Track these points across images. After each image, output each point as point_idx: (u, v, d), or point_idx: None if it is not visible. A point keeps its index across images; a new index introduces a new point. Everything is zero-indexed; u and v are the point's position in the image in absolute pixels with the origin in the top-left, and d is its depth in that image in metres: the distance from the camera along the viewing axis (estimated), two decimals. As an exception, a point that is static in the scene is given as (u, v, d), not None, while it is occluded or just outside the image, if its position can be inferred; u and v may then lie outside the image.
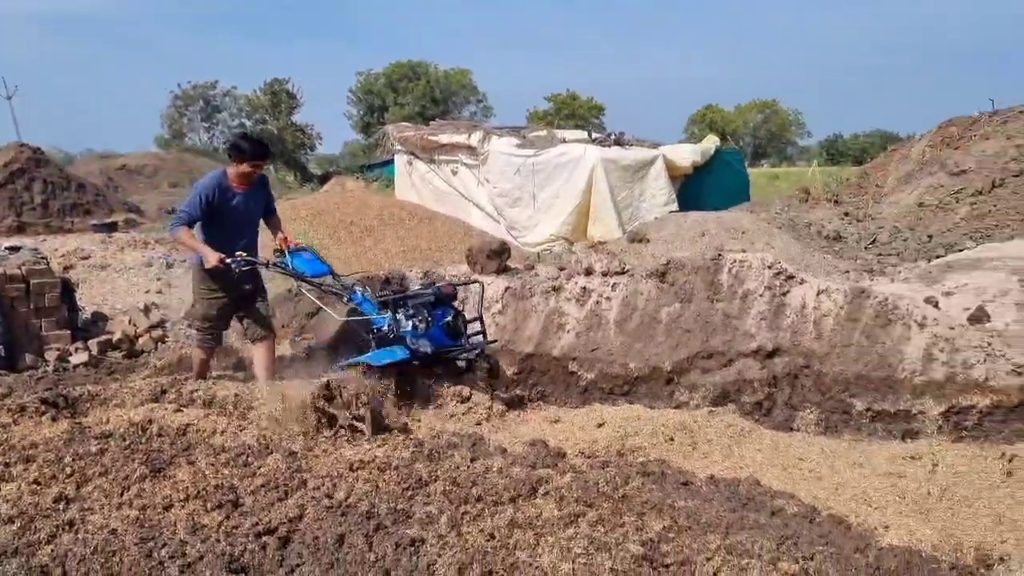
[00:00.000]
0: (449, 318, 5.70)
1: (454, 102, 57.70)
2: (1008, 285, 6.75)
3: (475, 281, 6.50)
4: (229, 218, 5.77)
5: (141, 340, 7.80)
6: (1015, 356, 5.39)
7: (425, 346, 5.48)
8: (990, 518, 3.82)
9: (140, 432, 4.55)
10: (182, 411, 4.99)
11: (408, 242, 14.49)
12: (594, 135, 17.70)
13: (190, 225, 5.64)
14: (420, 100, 53.58)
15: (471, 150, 17.03)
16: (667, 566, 3.31)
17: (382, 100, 55.40)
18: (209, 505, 3.64)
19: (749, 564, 3.28)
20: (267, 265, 5.82)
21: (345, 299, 5.88)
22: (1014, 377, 5.24)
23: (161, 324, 8.22)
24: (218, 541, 3.36)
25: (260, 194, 6.06)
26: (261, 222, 6.17)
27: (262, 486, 3.88)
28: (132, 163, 29.05)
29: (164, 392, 5.51)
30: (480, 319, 5.95)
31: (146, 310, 8.47)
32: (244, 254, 5.64)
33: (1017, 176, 13.82)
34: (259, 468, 4.08)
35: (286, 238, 6.08)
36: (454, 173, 17.65)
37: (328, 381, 4.84)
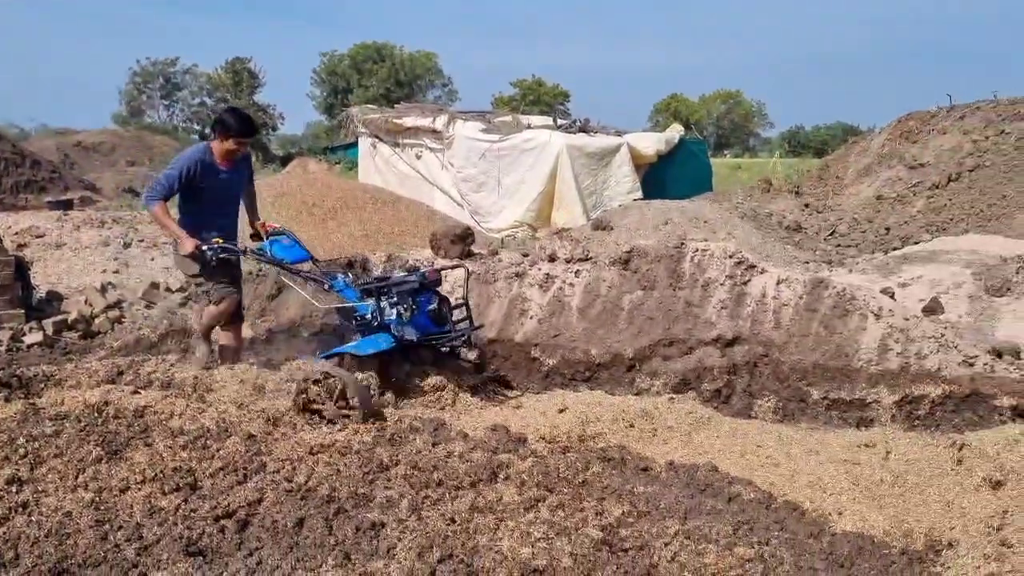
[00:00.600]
0: (434, 304, 5.59)
1: (419, 85, 57.39)
2: (962, 278, 6.90)
3: (459, 266, 6.39)
4: (210, 196, 5.58)
5: (97, 320, 7.67)
6: (966, 347, 5.51)
7: (410, 333, 5.36)
8: (940, 505, 3.91)
9: (96, 414, 4.47)
10: (139, 393, 4.91)
11: (371, 226, 14.39)
12: (559, 122, 17.72)
13: (165, 199, 5.43)
14: (385, 82, 53.17)
15: (436, 134, 16.96)
16: (626, 550, 3.34)
17: (346, 82, 54.92)
18: (166, 488, 3.60)
19: (706, 549, 3.33)
20: (244, 252, 5.65)
21: (326, 286, 5.72)
22: (965, 368, 5.36)
23: (118, 304, 8.09)
24: (175, 524, 3.33)
25: (243, 172, 5.88)
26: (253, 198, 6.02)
27: (221, 469, 3.84)
28: (88, 140, 28.45)
29: (121, 373, 5.43)
30: (466, 304, 5.85)
31: (103, 290, 8.34)
32: (220, 240, 5.45)
33: (972, 171, 14.10)
34: (218, 451, 4.04)
35: (264, 223, 5.92)
36: (418, 157, 17.58)
37: (308, 378, 4.75)
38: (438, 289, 5.72)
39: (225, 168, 5.60)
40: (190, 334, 6.42)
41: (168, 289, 8.42)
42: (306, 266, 5.80)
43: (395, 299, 5.42)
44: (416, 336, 5.38)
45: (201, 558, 3.15)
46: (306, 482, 3.81)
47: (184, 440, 4.14)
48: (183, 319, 6.92)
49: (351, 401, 4.67)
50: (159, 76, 52.23)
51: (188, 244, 5.33)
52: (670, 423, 5.11)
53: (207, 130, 50.85)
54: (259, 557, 3.18)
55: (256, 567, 3.12)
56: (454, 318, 5.68)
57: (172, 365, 5.69)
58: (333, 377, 4.73)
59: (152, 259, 10.65)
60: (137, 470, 3.74)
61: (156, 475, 3.70)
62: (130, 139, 30.50)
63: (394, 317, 5.36)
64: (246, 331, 6.44)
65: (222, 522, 3.40)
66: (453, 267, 6.47)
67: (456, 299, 5.91)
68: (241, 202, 5.96)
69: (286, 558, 3.18)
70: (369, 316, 5.45)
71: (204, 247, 5.36)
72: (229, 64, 51.49)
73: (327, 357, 5.30)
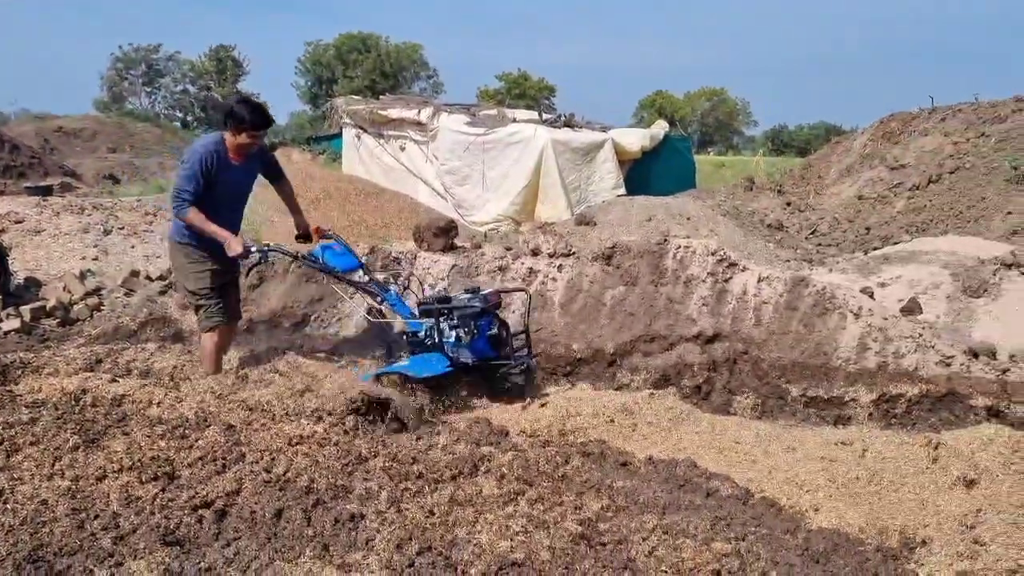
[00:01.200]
0: (494, 329, 5.40)
1: (404, 77, 57.23)
2: (940, 279, 6.96)
3: (521, 289, 6.15)
4: (221, 191, 5.27)
5: (76, 308, 7.60)
6: (943, 347, 5.57)
7: (466, 357, 5.21)
8: (914, 503, 3.95)
9: (73, 402, 4.44)
10: (118, 381, 4.88)
11: (354, 216, 14.34)
12: (544, 116, 17.71)
13: (196, 202, 5.10)
14: (370, 73, 53.00)
15: (420, 126, 16.91)
16: (604, 544, 3.36)
17: (331, 72, 54.70)
18: (144, 477, 3.58)
19: (684, 544, 3.35)
20: (296, 257, 5.43)
21: (379, 299, 5.49)
22: (942, 368, 5.42)
23: (97, 292, 8.02)
24: (153, 514, 3.31)
25: (255, 167, 5.57)
26: (273, 192, 5.79)
27: (199, 459, 3.82)
28: (69, 126, 28.16)
29: (99, 361, 5.39)
30: (526, 331, 5.64)
31: (82, 277, 8.27)
32: (270, 243, 5.21)
33: (952, 173, 14.23)
34: (197, 441, 4.02)
35: (319, 228, 5.69)
36: (402, 149, 17.52)
37: (360, 398, 4.59)
38: (497, 312, 5.53)
39: (238, 163, 5.32)
40: (170, 323, 6.38)
41: (148, 277, 8.36)
42: (357, 275, 5.59)
43: (456, 321, 5.25)
44: (472, 360, 5.23)
45: (178, 548, 3.14)
46: (285, 473, 3.80)
47: (162, 429, 4.11)
48: (163, 307, 6.88)
49: (405, 421, 4.56)
50: (141, 63, 51.79)
51: (236, 245, 5.05)
52: (650, 418, 5.14)
53: (188, 117, 50.58)
54: (237, 548, 3.17)
55: (233, 557, 3.11)
56: (513, 344, 5.50)
57: (151, 354, 5.66)
58: (385, 398, 4.61)
59: (132, 247, 10.57)
60: (114, 459, 3.71)
61: (133, 464, 3.67)
62: (112, 125, 30.19)
63: (453, 339, 5.20)
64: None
65: (200, 512, 3.38)
66: (514, 290, 6.20)
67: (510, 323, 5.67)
68: (248, 200, 5.72)
69: (264, 549, 3.18)
70: (423, 335, 5.28)
71: (254, 248, 5.14)
72: (213, 52, 51.22)
73: (379, 376, 5.03)
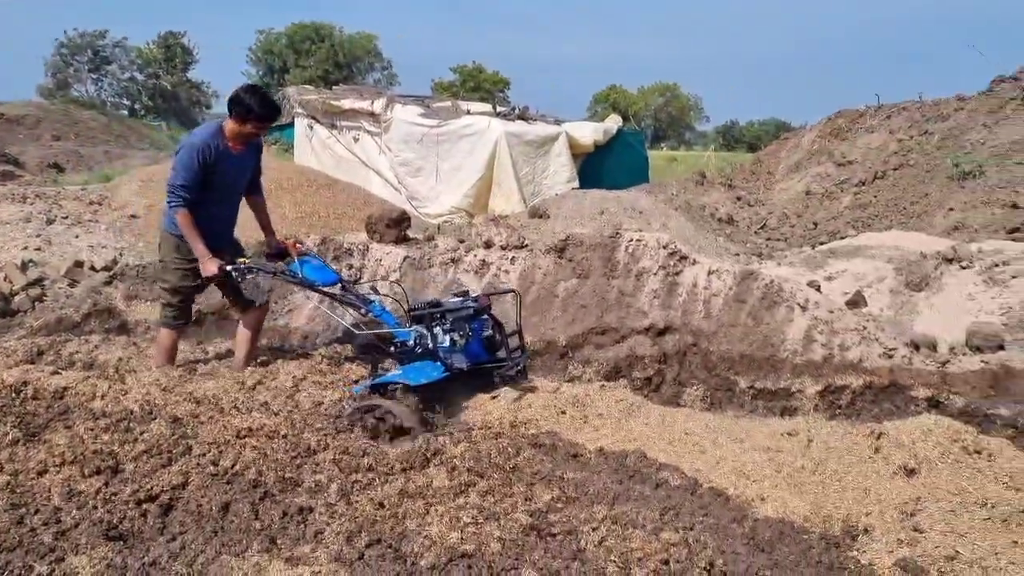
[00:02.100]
0: (488, 331, 5.34)
1: (358, 67, 56.70)
2: (884, 272, 7.12)
3: (511, 291, 5.99)
4: (217, 183, 5.04)
5: (17, 298, 7.40)
6: (887, 340, 5.69)
7: (460, 362, 5.11)
8: (857, 491, 4.04)
9: (14, 394, 4.34)
10: (60, 374, 4.77)
11: (305, 208, 14.16)
12: (498, 109, 17.70)
13: (190, 201, 4.90)
14: (323, 63, 52.43)
15: (374, 117, 16.79)
16: (554, 535, 3.38)
17: (283, 61, 54.01)
18: (86, 471, 3.51)
19: (633, 534, 3.38)
20: (275, 274, 5.26)
21: (363, 311, 5.35)
22: (885, 360, 5.54)
23: (39, 282, 7.81)
24: (95, 508, 3.26)
25: (252, 158, 5.37)
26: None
27: (144, 452, 3.76)
28: (12, 112, 27.32)
29: (41, 353, 5.27)
30: (519, 332, 5.55)
31: (23, 267, 8.05)
32: (246, 260, 5.03)
33: (897, 169, 14.55)
34: (142, 434, 3.95)
35: (296, 242, 5.53)
36: (356, 140, 17.38)
37: (359, 411, 4.50)
38: (488, 313, 5.43)
39: (236, 153, 5.11)
40: (115, 314, 6.25)
41: (93, 268, 8.17)
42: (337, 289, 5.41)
43: (449, 325, 5.16)
44: (466, 364, 5.15)
45: (122, 542, 3.09)
46: (232, 466, 3.75)
47: (106, 422, 4.04)
48: (108, 299, 6.74)
49: (407, 430, 4.46)
50: (87, 49, 50.43)
51: (211, 265, 4.89)
52: (601, 410, 5.17)
53: (136, 106, 49.51)
54: (182, 542, 3.13)
55: (179, 552, 3.07)
56: (509, 345, 5.42)
57: (95, 346, 5.55)
58: (384, 409, 4.50)
59: (76, 236, 10.34)
60: (56, 452, 3.64)
61: (76, 458, 3.60)
62: (56, 113, 29.39)
63: (447, 344, 5.11)
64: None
65: (144, 506, 3.33)
66: (503, 292, 6.06)
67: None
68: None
69: (210, 543, 3.14)
70: (412, 342, 5.16)
71: (229, 268, 4.93)
72: (161, 39, 50.15)
73: (373, 388, 4.83)
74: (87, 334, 5.97)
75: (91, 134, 27.53)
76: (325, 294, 5.40)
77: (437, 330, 5.18)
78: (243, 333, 5.48)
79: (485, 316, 5.38)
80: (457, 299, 5.30)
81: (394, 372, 5.03)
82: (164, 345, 5.31)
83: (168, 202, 4.96)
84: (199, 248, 4.91)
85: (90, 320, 6.43)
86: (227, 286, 5.34)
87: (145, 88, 50.02)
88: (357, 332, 5.49)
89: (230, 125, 5.04)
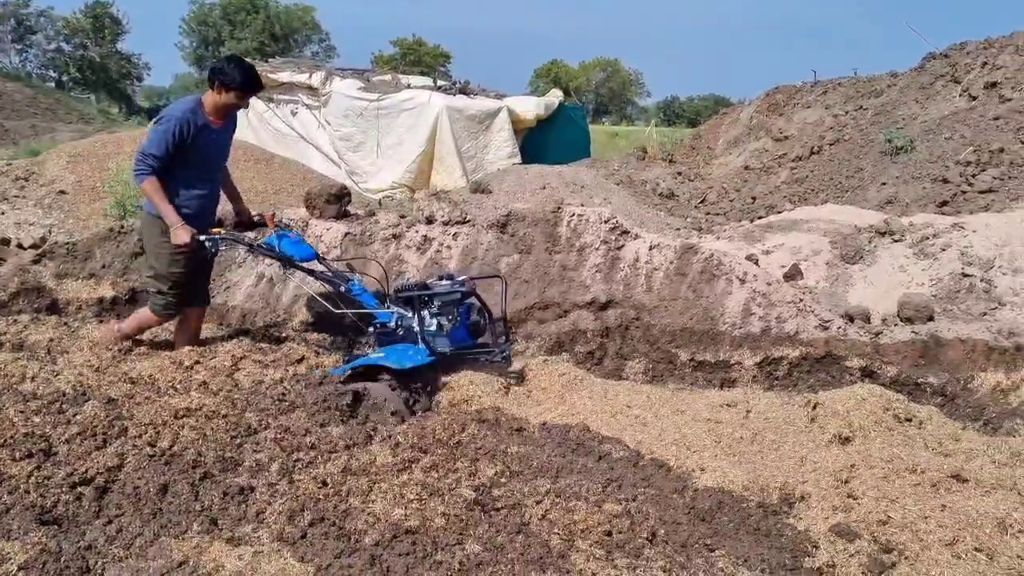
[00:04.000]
0: (475, 316, 5.24)
1: (295, 40, 55.62)
2: (820, 246, 7.27)
3: (495, 275, 5.85)
4: (198, 158, 4.89)
5: (-60, 278, 7.13)
6: (822, 312, 5.82)
7: (444, 345, 5.03)
8: (794, 460, 4.14)
9: (-62, 377, 4.19)
10: (-13, 356, 4.62)
11: (243, 184, 13.79)
12: (439, 83, 17.54)
13: (158, 170, 4.71)
14: (259, 35, 51.32)
15: (312, 91, 16.50)
16: (498, 510, 3.39)
17: (217, 32, 52.69)
18: (17, 454, 3.41)
19: (576, 506, 3.42)
20: (252, 247, 5.12)
21: (342, 288, 5.19)
22: (820, 331, 5.67)
23: (-36, 261, 7.54)
24: (27, 492, 3.17)
25: (232, 129, 5.22)
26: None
27: (78, 434, 3.67)
28: (-70, 84, 26.30)
29: (-34, 335, 5.08)
30: (504, 319, 5.44)
31: (-54, 246, 7.74)
32: (221, 230, 4.86)
33: (833, 145, 14.83)
34: (75, 416, 3.85)
35: (273, 215, 5.38)
36: (294, 114, 17.05)
37: (341, 393, 4.43)
38: (479, 298, 5.35)
39: (217, 126, 4.97)
40: (44, 293, 6.05)
41: (20, 245, 7.90)
42: (315, 265, 5.30)
43: (436, 309, 5.08)
44: (449, 348, 5.06)
45: (56, 527, 3.02)
46: (170, 447, 3.68)
47: (37, 404, 3.92)
48: (36, 277, 6.52)
49: (393, 411, 4.44)
50: (10, 18, 48.40)
51: (183, 234, 4.67)
52: (544, 384, 5.21)
53: (63, 77, 47.83)
54: (119, 524, 3.07)
55: (116, 535, 3.01)
56: (496, 331, 5.33)
57: (24, 326, 5.37)
58: (367, 393, 4.47)
59: (2, 213, 9.99)
60: (-16, 437, 3.52)
61: (5, 441, 3.50)
62: (-23, 84, 28.31)
63: (434, 327, 5.03)
64: (107, 291, 6.13)
65: (79, 489, 3.26)
66: (488, 277, 5.89)
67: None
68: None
69: (148, 525, 3.08)
70: (393, 324, 5.06)
71: (203, 238, 4.75)
72: (89, 8, 48.44)
73: (353, 370, 4.76)
74: (15, 314, 5.77)
75: (16, 107, 26.58)
76: (302, 269, 5.26)
77: (424, 313, 5.10)
78: (192, 329, 5.32)
79: (471, 300, 5.29)
80: (445, 282, 5.20)
81: (375, 354, 4.92)
82: (140, 320, 5.14)
83: (135, 170, 4.78)
84: (171, 216, 4.72)
85: (18, 299, 6.20)
86: (198, 272, 5.19)
87: (73, 59, 48.30)
88: (335, 311, 5.34)
89: (210, 97, 4.90)
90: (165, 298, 5.03)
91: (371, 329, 5.27)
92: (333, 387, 4.52)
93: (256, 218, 5.51)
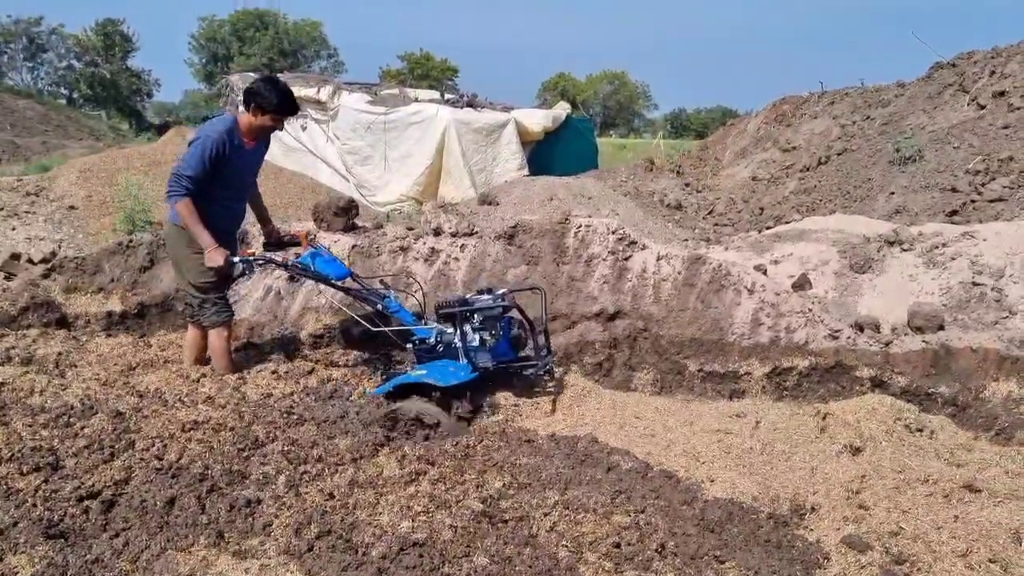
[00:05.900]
0: (516, 330, 5.21)
1: (304, 55, 55.94)
2: (828, 256, 7.23)
3: (534, 288, 5.72)
4: (230, 177, 4.89)
5: (-50, 293, 7.17)
6: (831, 321, 5.79)
7: (486, 361, 4.98)
8: (804, 471, 4.11)
9: (-53, 392, 4.20)
10: (-4, 369, 4.63)
11: (252, 197, 13.96)
12: (447, 96, 17.59)
13: (193, 192, 4.69)
14: (268, 51, 51.58)
15: (320, 105, 16.57)
16: (506, 521, 3.37)
17: (227, 49, 53.01)
18: (25, 468, 3.41)
19: (584, 518, 3.39)
20: (286, 267, 5.08)
21: (379, 306, 5.13)
22: (830, 341, 5.63)
23: (-26, 277, 7.58)
24: (35, 506, 3.17)
25: (263, 151, 5.24)
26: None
27: (85, 447, 3.67)
28: (-58, 101, 26.52)
29: (-25, 349, 5.09)
30: (545, 331, 5.38)
31: (-44, 261, 7.78)
32: (254, 251, 4.82)
33: (840, 155, 14.79)
34: (82, 429, 3.85)
35: (308, 233, 5.34)
36: (303, 128, 17.12)
37: (388, 416, 4.41)
38: (521, 311, 5.28)
39: (250, 147, 4.98)
40: (54, 308, 6.07)
41: (30, 260, 7.93)
42: (350, 283, 5.26)
43: (478, 324, 5.01)
44: (492, 364, 5.02)
45: (63, 540, 3.01)
46: (178, 460, 3.68)
47: (45, 418, 3.93)
48: (46, 292, 6.54)
49: (441, 429, 4.40)
50: (22, 36, 48.84)
51: (217, 256, 4.65)
52: (553, 396, 5.19)
53: (74, 95, 48.18)
54: (126, 538, 3.06)
55: (122, 548, 3.00)
56: (539, 344, 5.28)
57: (33, 340, 5.39)
58: (413, 413, 4.43)
59: (13, 228, 10.04)
60: (-8, 450, 3.53)
61: (13, 455, 3.50)
62: (-11, 102, 28.55)
63: (476, 343, 4.98)
64: (116, 305, 6.15)
65: (86, 503, 3.25)
66: (526, 289, 5.78)
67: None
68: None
69: (155, 538, 3.07)
70: (433, 340, 5.02)
71: (236, 259, 4.73)
72: (99, 26, 48.84)
73: (396, 388, 4.72)
74: (25, 328, 5.79)
75: (28, 124, 26.80)
76: (338, 288, 5.23)
77: (467, 328, 5.04)
78: (201, 346, 5.25)
79: (512, 314, 5.24)
80: (486, 297, 5.13)
81: (416, 371, 4.84)
82: (219, 348, 5.07)
83: (169, 191, 4.72)
84: (205, 238, 4.69)
85: (28, 314, 6.23)
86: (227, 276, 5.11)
87: (83, 76, 48.66)
88: (373, 329, 5.22)
89: (246, 119, 4.90)
90: (215, 305, 5.00)
91: (409, 346, 5.19)
92: (375, 406, 4.51)
93: (286, 238, 5.48)
